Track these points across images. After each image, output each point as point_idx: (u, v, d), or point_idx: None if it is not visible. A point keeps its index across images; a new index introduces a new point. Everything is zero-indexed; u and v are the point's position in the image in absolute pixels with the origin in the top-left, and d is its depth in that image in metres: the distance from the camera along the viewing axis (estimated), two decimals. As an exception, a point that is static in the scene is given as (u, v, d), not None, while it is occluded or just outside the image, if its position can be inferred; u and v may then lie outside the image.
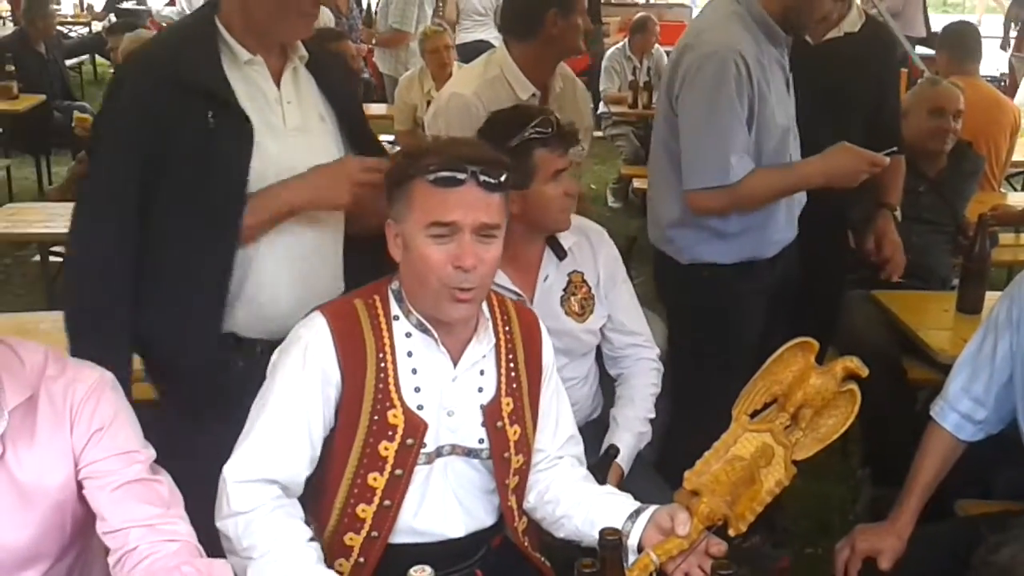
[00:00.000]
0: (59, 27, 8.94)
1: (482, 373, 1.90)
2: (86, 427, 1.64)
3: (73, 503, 1.66)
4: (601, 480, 2.11)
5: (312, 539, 1.74)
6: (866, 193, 3.12)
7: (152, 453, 1.71)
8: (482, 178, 1.75)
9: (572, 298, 2.48)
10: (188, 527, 1.66)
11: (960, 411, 2.25)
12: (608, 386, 2.63)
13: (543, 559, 2.00)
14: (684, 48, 2.70)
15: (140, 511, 1.62)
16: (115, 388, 1.72)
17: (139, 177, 1.97)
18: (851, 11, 3.19)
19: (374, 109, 7.27)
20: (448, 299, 1.77)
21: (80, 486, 1.66)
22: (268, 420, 1.78)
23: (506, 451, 1.90)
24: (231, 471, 1.75)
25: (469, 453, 1.89)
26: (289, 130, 2.09)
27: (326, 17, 6.74)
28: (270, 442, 1.77)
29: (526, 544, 1.98)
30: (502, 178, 1.78)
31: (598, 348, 2.60)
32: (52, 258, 4.74)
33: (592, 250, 2.55)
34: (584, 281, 2.52)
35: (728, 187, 2.60)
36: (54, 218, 4.38)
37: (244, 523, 1.72)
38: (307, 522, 1.79)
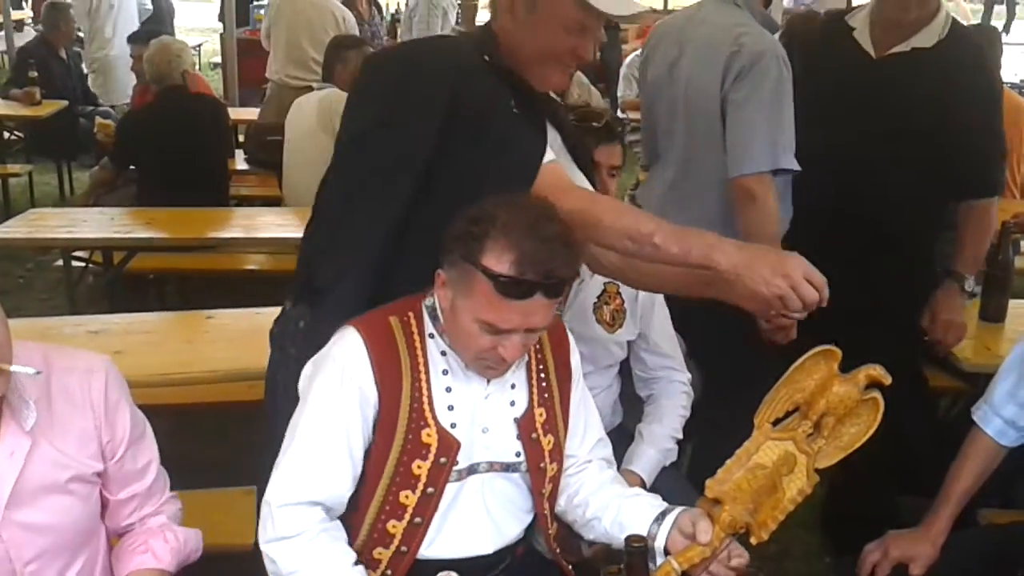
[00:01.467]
0: (80, 33, 8.98)
1: (513, 387, 1.89)
2: (103, 411, 1.73)
3: (93, 485, 1.76)
4: None
5: (357, 563, 1.74)
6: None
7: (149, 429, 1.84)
8: (551, 288, 1.68)
9: (605, 307, 2.48)
10: (175, 505, 1.88)
11: (1004, 416, 2.24)
12: (629, 401, 2.64)
13: (569, 566, 2.00)
14: (731, 51, 2.64)
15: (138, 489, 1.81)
16: (116, 371, 1.79)
17: (425, 155, 1.90)
18: (933, 22, 2.70)
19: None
20: (480, 367, 1.79)
21: (103, 467, 1.75)
22: (308, 440, 1.77)
23: (542, 461, 1.90)
24: (274, 495, 1.75)
25: (507, 468, 1.88)
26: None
27: (351, 24, 6.77)
28: (312, 463, 1.76)
29: (556, 550, 1.98)
30: (566, 285, 1.74)
31: (622, 364, 2.60)
32: (74, 263, 4.79)
33: None
34: (619, 293, 2.52)
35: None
36: (76, 223, 4.40)
37: (289, 548, 1.72)
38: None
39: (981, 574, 2.12)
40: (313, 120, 4.81)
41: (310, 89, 5.30)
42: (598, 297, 2.47)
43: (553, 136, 2.12)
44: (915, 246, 2.67)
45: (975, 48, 2.76)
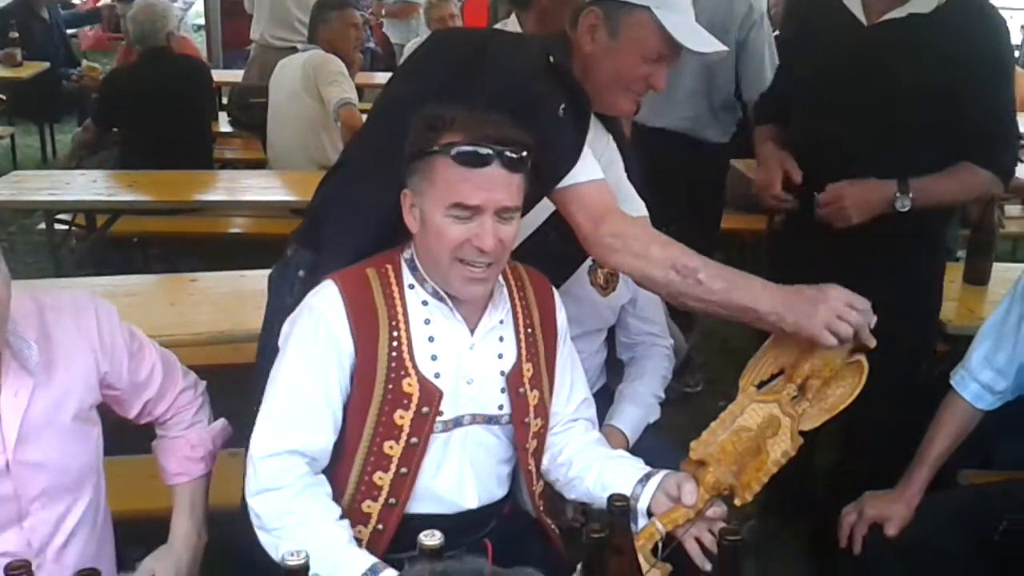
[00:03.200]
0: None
1: (501, 340, 1.90)
2: (99, 345, 1.79)
3: (95, 422, 1.82)
4: None
5: (342, 518, 1.75)
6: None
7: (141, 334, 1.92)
8: (507, 156, 1.73)
9: (599, 270, 2.47)
10: (192, 393, 2.01)
11: (981, 381, 2.25)
12: (614, 366, 2.64)
13: (552, 525, 2.02)
14: None
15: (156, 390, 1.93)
16: (102, 302, 1.85)
17: None
18: None
19: (379, 78, 7.25)
20: (460, 278, 1.78)
21: (106, 396, 1.85)
22: (286, 392, 1.79)
23: (526, 416, 1.91)
24: (256, 447, 1.76)
25: (489, 420, 1.90)
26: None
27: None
28: (291, 413, 1.78)
29: (540, 508, 2.00)
30: (524, 153, 1.76)
31: (610, 331, 2.60)
32: (57, 226, 4.76)
33: None
34: None
35: None
36: (59, 186, 4.36)
37: (274, 501, 1.73)
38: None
39: (956, 533, 2.15)
40: (297, 82, 4.78)
41: (294, 50, 5.25)
42: (592, 260, 2.47)
43: (610, 148, 2.17)
44: (917, 225, 2.49)
45: (982, 14, 2.51)
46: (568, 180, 1.96)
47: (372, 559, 1.66)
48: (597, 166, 2.01)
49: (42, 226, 4.76)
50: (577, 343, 2.22)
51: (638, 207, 2.24)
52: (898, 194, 2.43)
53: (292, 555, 1.34)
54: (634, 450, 2.31)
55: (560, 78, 1.97)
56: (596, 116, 2.14)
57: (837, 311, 1.77)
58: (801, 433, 1.81)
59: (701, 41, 2.03)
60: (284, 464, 1.75)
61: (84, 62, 6.82)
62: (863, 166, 2.46)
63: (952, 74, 2.41)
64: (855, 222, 2.44)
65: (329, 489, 1.79)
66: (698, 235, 2.77)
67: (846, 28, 2.50)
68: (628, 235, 1.94)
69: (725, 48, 2.06)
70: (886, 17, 2.46)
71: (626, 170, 2.32)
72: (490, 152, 1.71)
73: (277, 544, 1.70)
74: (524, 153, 1.75)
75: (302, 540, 1.66)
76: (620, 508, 1.48)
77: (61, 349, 1.74)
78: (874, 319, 1.81)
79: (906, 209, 2.43)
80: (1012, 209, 4.66)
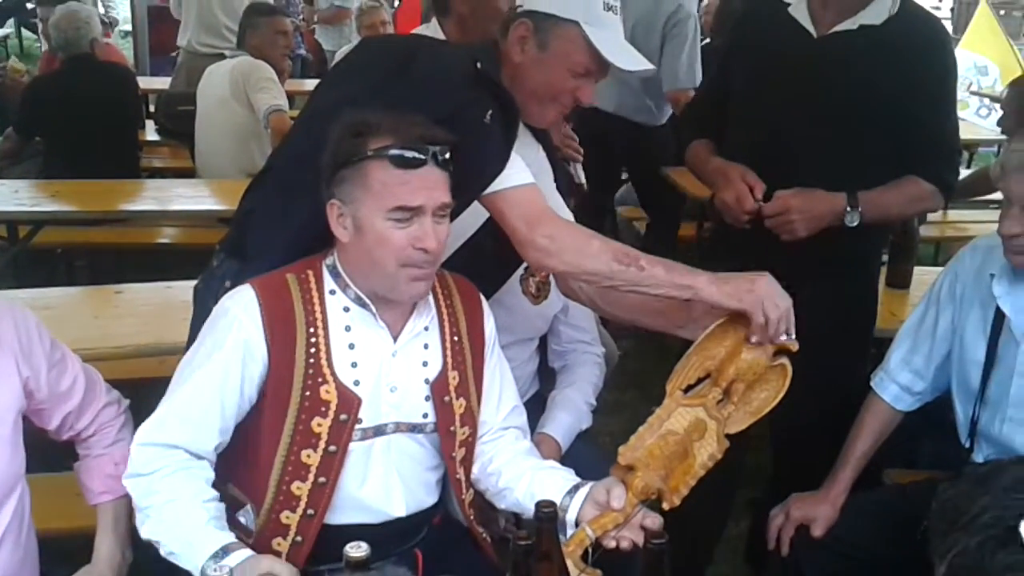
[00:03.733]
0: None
1: (426, 347, 1.90)
2: (18, 350, 1.77)
3: (19, 428, 1.80)
4: None
5: (211, 500, 1.74)
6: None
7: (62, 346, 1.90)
8: (440, 158, 1.74)
9: (531, 279, 2.46)
10: (113, 410, 1.97)
11: (900, 383, 2.30)
12: (546, 373, 2.64)
13: (484, 534, 2.01)
14: None
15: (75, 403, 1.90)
16: (19, 308, 1.84)
17: None
18: None
19: (309, 85, 7.19)
20: (405, 280, 1.77)
21: (28, 405, 1.82)
22: (183, 388, 1.79)
23: (452, 424, 1.91)
24: (140, 433, 1.78)
25: (413, 429, 1.89)
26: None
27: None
28: (180, 411, 1.78)
29: (471, 517, 1.99)
30: (449, 152, 1.77)
31: (541, 339, 2.60)
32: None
33: None
34: None
35: None
36: (-21, 196, 4.26)
37: (145, 483, 1.74)
38: (241, 500, 1.80)
39: (881, 532, 2.19)
40: (225, 89, 4.72)
41: (222, 57, 5.18)
42: (524, 268, 2.47)
43: (539, 158, 2.18)
44: (856, 237, 2.44)
45: (928, 26, 2.49)
46: (497, 185, 1.96)
47: (226, 539, 1.65)
48: (527, 171, 2.01)
49: (-39, 237, 4.63)
50: (508, 351, 2.22)
51: (566, 217, 2.24)
52: (848, 209, 2.39)
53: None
54: (565, 457, 2.31)
55: (487, 85, 1.97)
56: (526, 126, 2.15)
57: (769, 297, 1.83)
58: (727, 436, 1.83)
59: (629, 59, 2.04)
60: (159, 453, 1.75)
61: (11, 60, 6.60)
62: (807, 177, 2.41)
63: (900, 86, 2.38)
64: (802, 235, 2.39)
65: (210, 474, 1.78)
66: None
67: (794, 39, 2.45)
68: (564, 234, 1.94)
69: (652, 67, 2.08)
70: (835, 29, 2.41)
71: (555, 180, 2.33)
72: (426, 152, 1.72)
73: (144, 522, 1.72)
74: (450, 152, 1.77)
75: (166, 519, 1.69)
76: (547, 514, 1.49)
77: None
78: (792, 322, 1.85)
79: (855, 224, 2.40)
80: (933, 214, 4.76)
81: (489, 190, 1.96)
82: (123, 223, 4.76)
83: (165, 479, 1.72)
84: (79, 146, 4.80)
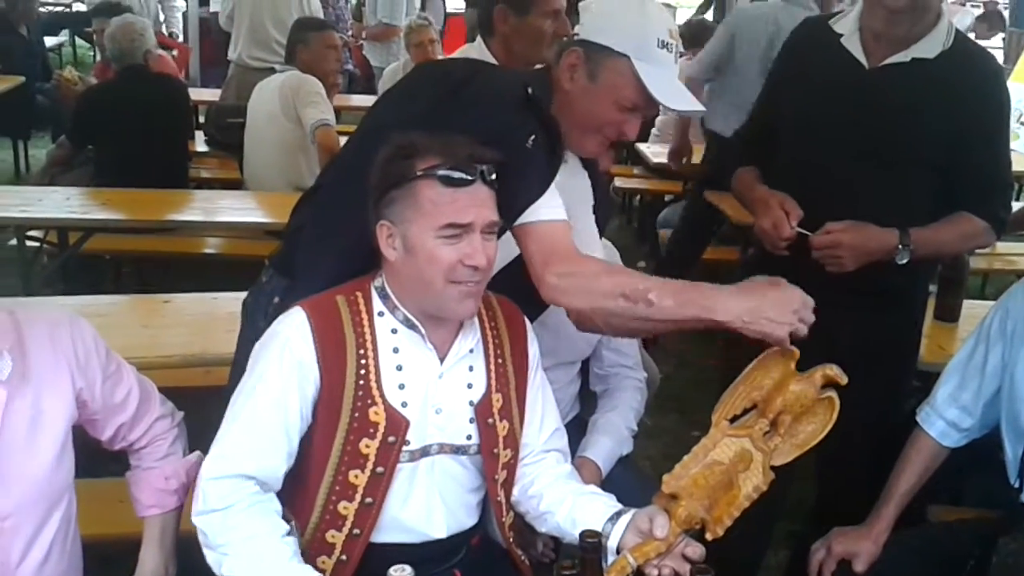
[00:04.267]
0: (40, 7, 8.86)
1: (471, 369, 1.90)
2: (75, 361, 1.77)
3: (70, 438, 1.80)
4: None
5: (289, 534, 1.74)
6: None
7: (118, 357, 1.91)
8: (488, 177, 1.76)
9: None
10: (167, 423, 1.98)
11: (947, 419, 2.27)
12: (587, 397, 2.64)
13: (522, 557, 2.01)
14: None
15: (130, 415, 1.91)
16: (78, 319, 1.84)
17: None
18: (934, 31, 2.37)
19: (356, 100, 7.26)
20: (455, 298, 1.78)
21: (81, 415, 1.82)
22: (244, 416, 1.78)
23: (495, 447, 1.91)
24: (207, 469, 1.76)
25: (457, 451, 1.89)
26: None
27: (315, 6, 6.73)
28: (245, 438, 1.77)
29: (510, 539, 1.99)
30: (495, 175, 1.79)
31: (583, 362, 2.60)
32: (29, 243, 4.70)
33: None
34: None
35: None
36: (32, 202, 4.32)
37: (220, 519, 1.72)
38: (286, 518, 1.79)
39: (925, 570, 2.16)
40: (275, 104, 4.77)
41: (272, 71, 5.25)
42: None
43: (583, 185, 2.18)
44: (903, 269, 2.40)
45: (983, 61, 2.49)
46: (527, 216, 1.95)
47: (311, 574, 1.66)
48: (561, 208, 1.99)
49: (13, 242, 4.71)
50: (551, 373, 2.22)
51: (594, 249, 2.22)
52: (900, 247, 2.35)
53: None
54: (605, 481, 2.31)
55: (534, 111, 1.97)
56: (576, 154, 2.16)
57: (797, 311, 1.78)
58: (772, 468, 1.81)
59: (677, 98, 2.01)
60: (232, 486, 1.74)
61: (66, 69, 6.71)
62: (855, 209, 2.38)
63: (953, 121, 2.35)
64: (849, 269, 2.36)
65: (279, 507, 1.78)
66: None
67: (845, 70, 2.43)
68: (575, 272, 1.92)
69: (702, 108, 2.05)
70: (887, 61, 2.38)
71: (597, 210, 2.31)
72: (474, 171, 1.74)
73: (221, 561, 1.70)
74: (496, 171, 1.79)
75: (246, 556, 1.69)
76: (592, 544, 1.49)
77: (36, 362, 1.72)
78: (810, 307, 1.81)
79: (904, 262, 2.37)
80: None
81: (519, 220, 1.95)
82: (170, 232, 4.83)
83: (241, 514, 1.72)
84: (130, 155, 4.86)
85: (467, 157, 1.75)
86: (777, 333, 1.78)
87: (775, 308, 1.79)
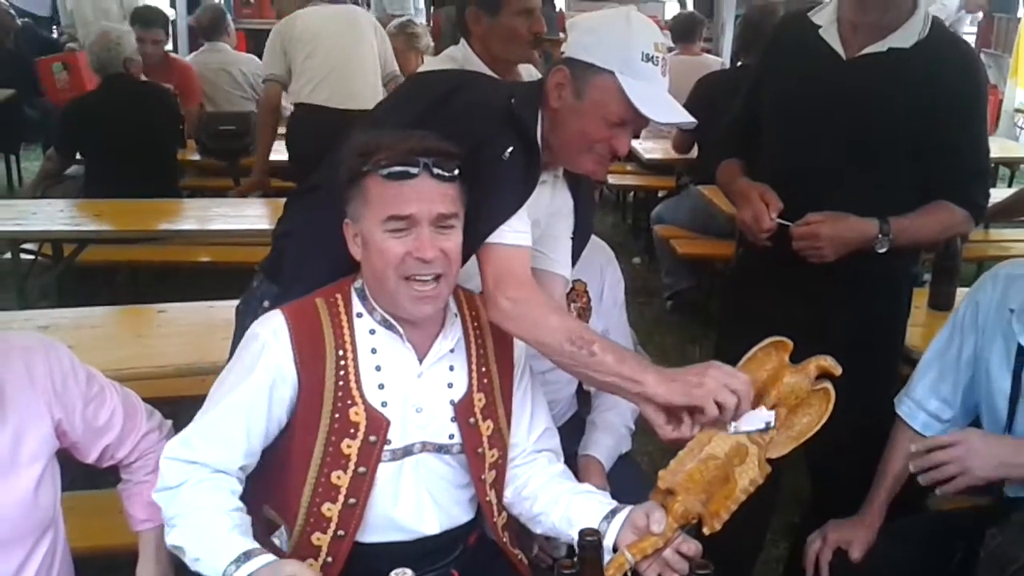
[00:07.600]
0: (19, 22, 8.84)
1: (452, 369, 1.91)
2: (51, 390, 1.74)
3: (52, 468, 1.79)
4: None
5: (235, 509, 1.75)
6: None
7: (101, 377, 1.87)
8: (435, 170, 1.77)
9: (572, 304, 2.47)
10: (156, 436, 1.94)
11: (928, 411, 2.27)
12: (585, 396, 2.64)
13: (520, 555, 2.01)
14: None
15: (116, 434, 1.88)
16: (51, 343, 1.81)
17: None
18: (910, 20, 2.39)
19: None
20: (409, 298, 1.79)
21: (62, 443, 1.80)
22: (212, 410, 1.82)
23: (479, 447, 1.91)
24: (169, 448, 1.81)
25: (440, 449, 1.90)
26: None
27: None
28: (209, 431, 1.80)
29: (505, 540, 1.99)
30: (455, 170, 1.79)
31: None
32: (23, 256, 4.70)
33: (600, 266, 2.57)
34: (586, 291, 2.54)
35: None
36: (25, 215, 4.32)
37: (172, 495, 1.76)
38: (276, 520, 1.83)
39: (921, 558, 2.16)
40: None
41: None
42: (566, 295, 2.47)
43: (563, 199, 2.18)
44: (887, 258, 2.42)
45: (959, 49, 2.51)
46: (494, 237, 1.92)
47: (248, 545, 1.66)
48: (528, 236, 1.97)
49: (7, 256, 4.71)
50: (549, 375, 2.22)
51: (560, 266, 2.20)
52: (879, 236, 2.37)
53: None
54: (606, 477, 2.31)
55: (514, 123, 1.96)
56: (565, 173, 2.16)
57: (719, 387, 1.75)
58: (768, 461, 1.82)
59: (665, 110, 1.98)
60: (187, 468, 1.77)
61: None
62: (836, 198, 2.41)
63: (929, 109, 2.36)
64: (830, 259, 2.38)
65: (235, 486, 1.79)
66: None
67: (823, 61, 2.45)
68: (527, 300, 1.90)
69: (692, 120, 2.03)
70: (865, 51, 2.41)
71: (579, 229, 2.27)
72: (416, 164, 1.76)
73: (170, 532, 1.75)
74: (453, 165, 1.79)
75: (190, 526, 1.71)
76: (591, 542, 1.49)
77: (12, 394, 1.70)
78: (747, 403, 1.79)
79: (884, 251, 2.39)
80: (975, 233, 4.70)
81: (487, 239, 1.92)
82: (164, 242, 4.82)
83: (191, 489, 1.75)
84: (119, 164, 4.87)
85: (407, 151, 1.77)
86: (680, 402, 1.76)
87: (694, 381, 1.76)
